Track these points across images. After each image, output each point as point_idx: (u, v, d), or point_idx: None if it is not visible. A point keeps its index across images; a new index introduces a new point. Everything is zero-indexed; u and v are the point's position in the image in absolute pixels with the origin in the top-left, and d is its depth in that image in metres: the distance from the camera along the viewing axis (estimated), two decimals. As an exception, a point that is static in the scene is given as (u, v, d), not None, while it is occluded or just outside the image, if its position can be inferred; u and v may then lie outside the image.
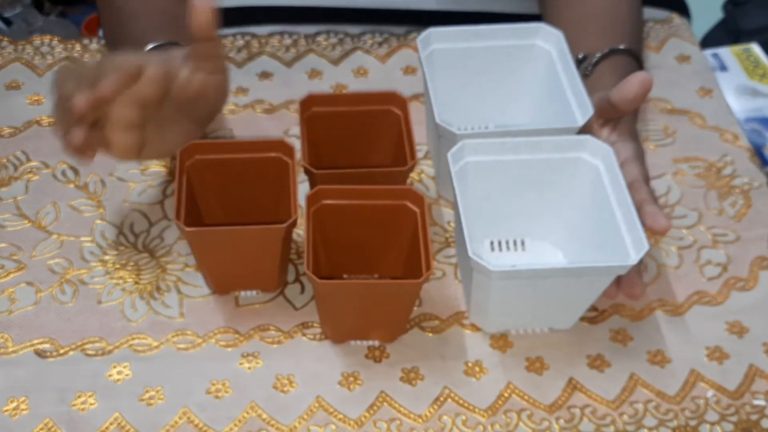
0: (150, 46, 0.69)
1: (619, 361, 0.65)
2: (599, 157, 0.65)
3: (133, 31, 0.73)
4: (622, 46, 0.75)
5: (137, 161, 0.67)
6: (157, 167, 0.76)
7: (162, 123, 0.64)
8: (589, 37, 0.77)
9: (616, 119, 0.71)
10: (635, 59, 0.76)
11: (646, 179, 0.68)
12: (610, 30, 0.78)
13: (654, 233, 0.65)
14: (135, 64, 0.59)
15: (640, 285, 0.66)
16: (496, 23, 0.75)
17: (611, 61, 0.75)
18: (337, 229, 0.64)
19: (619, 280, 0.66)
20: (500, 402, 0.62)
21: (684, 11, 0.95)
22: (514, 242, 0.70)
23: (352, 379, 0.63)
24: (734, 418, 0.62)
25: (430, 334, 0.66)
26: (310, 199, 0.62)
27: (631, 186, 0.65)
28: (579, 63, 0.76)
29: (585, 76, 0.75)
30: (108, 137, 0.61)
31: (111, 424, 0.60)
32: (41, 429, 0.59)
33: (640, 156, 0.70)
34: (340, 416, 0.61)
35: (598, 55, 0.75)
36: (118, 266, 0.69)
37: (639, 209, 0.63)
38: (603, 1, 0.80)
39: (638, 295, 0.66)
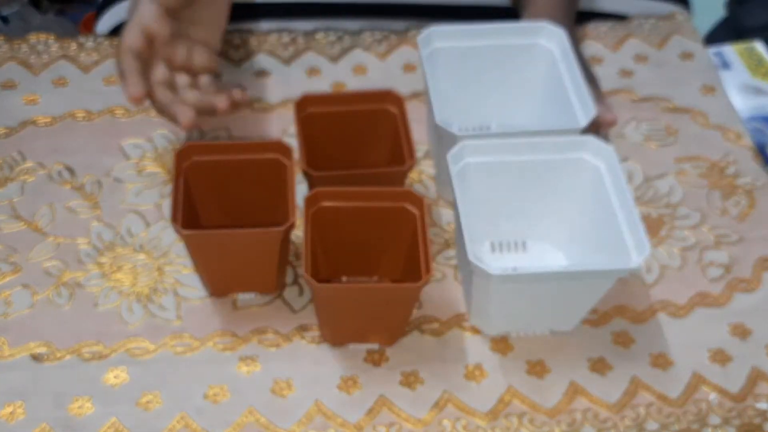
0: None
1: (621, 364, 0.64)
2: (600, 157, 0.64)
3: None
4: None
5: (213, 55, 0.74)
6: (153, 168, 0.75)
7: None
8: None
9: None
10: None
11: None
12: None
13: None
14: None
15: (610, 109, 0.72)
16: (495, 17, 0.74)
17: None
18: (335, 232, 0.63)
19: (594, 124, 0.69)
20: (501, 406, 0.61)
21: (687, 8, 0.94)
22: (515, 243, 0.69)
23: (351, 382, 0.62)
24: (737, 422, 0.61)
25: (430, 337, 0.65)
26: (309, 201, 0.62)
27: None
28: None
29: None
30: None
31: (108, 428, 0.60)
32: (37, 434, 0.59)
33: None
34: (339, 420, 0.60)
35: None
36: (114, 269, 0.68)
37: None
38: None
39: (612, 121, 0.72)
